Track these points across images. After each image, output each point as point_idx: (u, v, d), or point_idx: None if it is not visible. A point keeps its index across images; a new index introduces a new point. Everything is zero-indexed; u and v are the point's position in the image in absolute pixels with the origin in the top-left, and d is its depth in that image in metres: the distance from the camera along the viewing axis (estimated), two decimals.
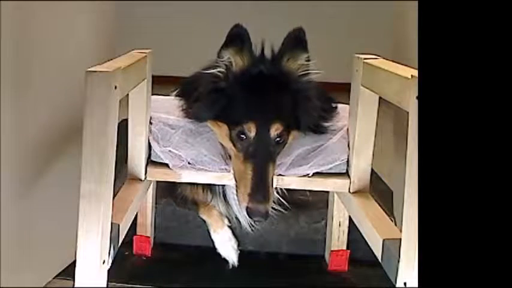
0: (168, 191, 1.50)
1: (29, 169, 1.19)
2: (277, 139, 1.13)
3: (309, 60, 1.17)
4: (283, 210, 1.41)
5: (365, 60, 1.12)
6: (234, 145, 1.14)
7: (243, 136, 1.12)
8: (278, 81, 1.15)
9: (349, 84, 1.20)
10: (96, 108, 0.88)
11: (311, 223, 1.54)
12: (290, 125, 1.15)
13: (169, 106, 1.29)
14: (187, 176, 1.24)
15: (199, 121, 1.22)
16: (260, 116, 1.12)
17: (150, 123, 1.23)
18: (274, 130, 1.12)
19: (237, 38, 1.12)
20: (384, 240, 0.97)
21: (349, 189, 1.22)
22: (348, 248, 1.44)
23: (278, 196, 1.37)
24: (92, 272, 0.88)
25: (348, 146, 1.22)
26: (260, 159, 1.10)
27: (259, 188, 1.07)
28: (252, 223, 1.41)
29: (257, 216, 1.08)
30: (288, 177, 1.23)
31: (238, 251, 1.44)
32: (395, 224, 1.16)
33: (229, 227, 1.45)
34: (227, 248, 1.43)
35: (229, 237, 1.44)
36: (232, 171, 1.18)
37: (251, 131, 1.11)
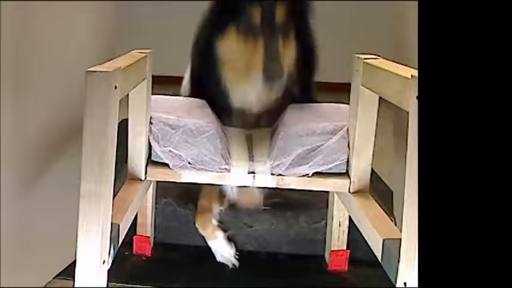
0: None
1: (29, 169, 1.19)
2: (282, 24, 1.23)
3: None
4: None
5: (365, 60, 1.12)
6: (244, 37, 1.23)
7: (249, 25, 1.21)
8: None
9: (349, 84, 1.20)
10: (96, 108, 0.88)
11: (311, 223, 1.54)
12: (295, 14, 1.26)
13: (169, 106, 1.29)
14: (187, 176, 1.24)
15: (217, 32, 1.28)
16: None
17: (150, 123, 1.23)
18: (279, 15, 1.22)
19: None
20: (384, 240, 0.97)
21: (349, 189, 1.22)
22: (348, 248, 1.44)
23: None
24: (92, 272, 0.88)
25: (348, 146, 1.22)
26: (269, 33, 1.19)
27: (271, 52, 1.16)
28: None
29: (273, 75, 1.16)
30: (288, 177, 1.23)
31: (236, 256, 1.45)
32: (395, 224, 1.16)
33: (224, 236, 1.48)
34: (224, 253, 1.46)
35: (225, 244, 1.46)
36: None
37: (257, 16, 1.21)
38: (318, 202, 1.53)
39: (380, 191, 1.54)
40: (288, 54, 1.27)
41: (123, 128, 1.07)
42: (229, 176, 1.23)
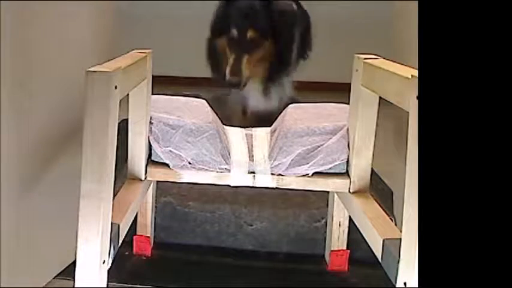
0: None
1: (29, 169, 1.19)
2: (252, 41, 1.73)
3: None
4: None
5: (365, 60, 1.12)
6: (229, 48, 1.75)
7: (231, 39, 1.74)
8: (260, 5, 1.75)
9: (349, 84, 1.20)
10: (96, 108, 0.88)
11: (311, 223, 1.54)
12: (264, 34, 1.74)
13: (169, 106, 1.29)
14: (187, 176, 1.24)
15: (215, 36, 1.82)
16: (240, 23, 1.74)
17: (151, 123, 1.23)
18: (249, 35, 1.72)
19: None
20: (384, 240, 0.97)
21: (349, 189, 1.22)
22: (348, 248, 1.44)
23: None
24: (92, 272, 0.88)
25: (348, 146, 1.22)
26: (237, 51, 1.72)
27: (235, 66, 1.70)
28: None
29: (234, 83, 1.70)
30: (288, 177, 1.23)
31: None
32: (395, 224, 1.16)
33: None
34: None
35: None
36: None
37: (234, 34, 1.73)
38: (318, 202, 1.53)
39: (380, 191, 1.55)
40: (259, 57, 1.76)
41: (123, 128, 1.07)
42: (229, 176, 1.22)
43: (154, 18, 3.66)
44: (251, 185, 1.25)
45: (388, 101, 1.00)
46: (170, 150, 1.22)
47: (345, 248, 1.44)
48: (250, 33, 1.72)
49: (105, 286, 0.92)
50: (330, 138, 1.23)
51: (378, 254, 0.98)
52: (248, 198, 1.59)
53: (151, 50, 1.20)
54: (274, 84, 1.87)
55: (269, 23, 1.74)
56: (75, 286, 0.88)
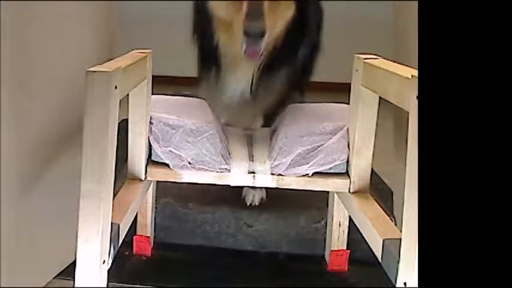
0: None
1: (29, 169, 1.19)
2: None
3: None
4: None
5: (365, 60, 1.12)
6: None
7: None
8: None
9: (349, 84, 1.20)
10: (96, 108, 0.88)
11: (311, 223, 1.54)
12: None
13: (169, 106, 1.29)
14: (187, 176, 1.24)
15: None
16: None
17: (151, 123, 1.23)
18: None
19: None
20: (384, 240, 0.97)
21: (349, 189, 1.22)
22: (348, 248, 1.44)
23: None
24: (92, 272, 0.88)
25: (348, 146, 1.22)
26: None
27: (254, 9, 1.15)
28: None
29: (255, 31, 1.15)
30: (288, 177, 1.23)
31: None
32: (395, 224, 1.16)
33: None
34: None
35: None
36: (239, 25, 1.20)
37: None
38: (318, 202, 1.53)
39: (380, 191, 1.55)
40: (279, 16, 1.25)
41: (123, 128, 1.07)
42: (229, 176, 1.22)
43: (154, 18, 3.67)
44: (251, 185, 1.25)
45: (388, 101, 1.00)
46: (170, 150, 1.22)
47: (345, 248, 1.44)
48: None
49: (105, 286, 0.92)
50: (330, 138, 1.23)
51: (378, 254, 0.98)
52: None
53: (151, 50, 1.20)
54: (275, 73, 1.36)
55: None
56: (75, 286, 0.88)
